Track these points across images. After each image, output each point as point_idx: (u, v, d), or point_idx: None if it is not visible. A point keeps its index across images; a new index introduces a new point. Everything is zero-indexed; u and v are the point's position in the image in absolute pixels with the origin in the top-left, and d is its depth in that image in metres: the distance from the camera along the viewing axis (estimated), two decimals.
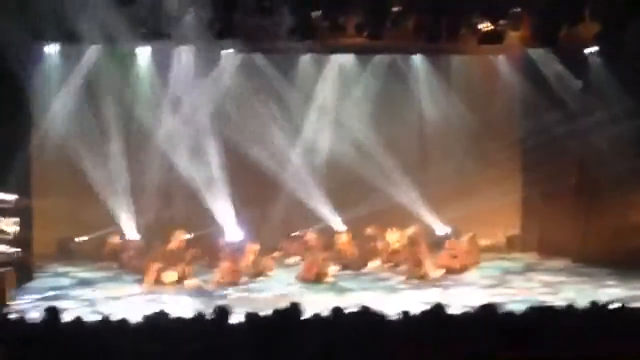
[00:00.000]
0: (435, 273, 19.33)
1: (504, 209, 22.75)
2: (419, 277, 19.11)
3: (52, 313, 8.99)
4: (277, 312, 9.09)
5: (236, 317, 9.36)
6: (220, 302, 9.94)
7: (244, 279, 18.87)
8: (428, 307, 9.52)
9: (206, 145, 21.24)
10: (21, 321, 9.88)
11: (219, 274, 18.69)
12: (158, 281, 18.44)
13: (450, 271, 19.73)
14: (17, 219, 16.50)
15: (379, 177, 21.86)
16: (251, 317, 9.02)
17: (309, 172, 21.88)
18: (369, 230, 21.05)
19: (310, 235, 20.72)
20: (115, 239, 20.53)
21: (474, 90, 22.64)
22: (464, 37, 18.21)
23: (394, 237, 20.59)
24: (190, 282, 18.50)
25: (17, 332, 8.77)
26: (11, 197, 16.24)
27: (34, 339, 8.26)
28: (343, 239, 20.70)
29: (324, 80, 22.47)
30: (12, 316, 10.07)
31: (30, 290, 17.75)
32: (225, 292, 17.89)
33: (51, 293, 17.64)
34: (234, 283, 18.47)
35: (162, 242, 19.47)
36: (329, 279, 19.05)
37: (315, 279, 18.93)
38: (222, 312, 9.14)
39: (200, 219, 20.45)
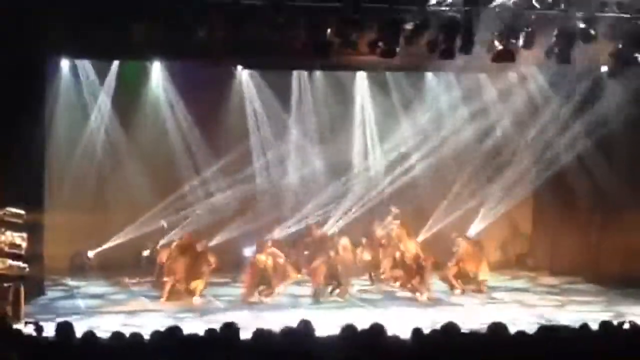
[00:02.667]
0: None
1: (515, 227, 22.71)
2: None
3: (65, 328, 8.99)
4: (286, 329, 9.07)
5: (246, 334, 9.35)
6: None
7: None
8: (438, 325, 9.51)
9: (220, 161, 21.39)
10: (35, 335, 9.91)
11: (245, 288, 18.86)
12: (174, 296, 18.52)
13: (462, 276, 19.70)
14: (27, 234, 16.49)
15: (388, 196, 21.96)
16: (259, 334, 9.00)
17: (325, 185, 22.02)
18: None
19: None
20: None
21: (485, 108, 22.63)
22: (476, 55, 18.21)
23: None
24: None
25: (31, 347, 8.79)
26: (22, 211, 16.24)
27: (47, 354, 8.28)
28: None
29: (336, 96, 22.54)
30: (26, 330, 10.09)
31: (41, 305, 17.82)
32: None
33: (62, 308, 17.72)
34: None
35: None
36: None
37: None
38: (231, 330, 9.13)
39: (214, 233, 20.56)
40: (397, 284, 20.23)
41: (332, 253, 19.28)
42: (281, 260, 19.29)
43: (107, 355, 8.55)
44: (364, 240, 20.90)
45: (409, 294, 19.40)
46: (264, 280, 18.87)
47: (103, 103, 20.94)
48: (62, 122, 20.65)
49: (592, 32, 17.47)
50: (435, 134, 22.50)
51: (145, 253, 20.63)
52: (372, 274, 20.89)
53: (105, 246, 20.72)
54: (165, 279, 18.83)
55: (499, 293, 20.10)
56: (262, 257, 18.95)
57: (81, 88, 20.79)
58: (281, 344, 8.69)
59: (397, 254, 20.07)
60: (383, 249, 20.76)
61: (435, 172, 22.32)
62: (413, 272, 19.41)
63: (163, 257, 19.32)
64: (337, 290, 19.17)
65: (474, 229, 21.33)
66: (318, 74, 21.98)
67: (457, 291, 19.65)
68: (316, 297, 18.88)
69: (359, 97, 22.60)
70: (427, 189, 22.13)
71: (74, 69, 20.61)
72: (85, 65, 20.51)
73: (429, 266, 19.40)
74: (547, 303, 18.96)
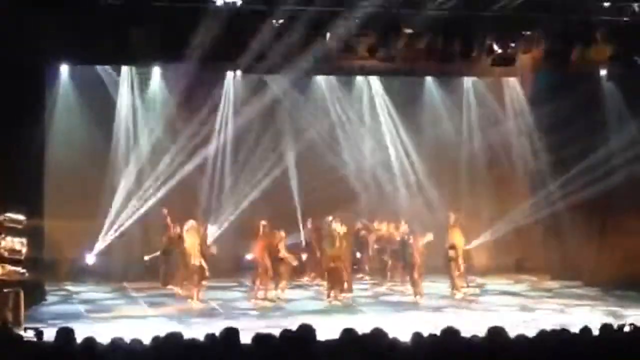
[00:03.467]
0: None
1: (515, 231, 22.71)
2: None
3: (66, 334, 8.98)
4: (286, 333, 9.05)
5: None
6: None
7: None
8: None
9: (216, 166, 21.43)
10: (35, 341, 9.90)
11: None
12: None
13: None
14: (28, 239, 16.47)
15: (382, 206, 22.02)
16: (260, 338, 8.97)
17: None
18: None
19: None
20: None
21: (485, 112, 22.70)
22: (476, 58, 18.25)
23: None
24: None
25: (32, 352, 8.78)
26: (22, 217, 16.24)
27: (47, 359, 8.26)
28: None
29: (335, 101, 22.62)
30: (26, 336, 10.08)
31: (41, 310, 17.83)
32: None
33: (62, 314, 17.73)
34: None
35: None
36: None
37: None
38: (232, 334, 9.11)
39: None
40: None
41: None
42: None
43: None
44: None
45: (408, 299, 19.40)
46: (272, 249, 19.23)
47: (102, 108, 21.07)
48: (62, 127, 20.69)
49: (591, 35, 17.52)
50: (441, 141, 22.68)
51: (147, 258, 20.68)
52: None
53: (97, 249, 20.78)
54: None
55: (499, 297, 20.09)
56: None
57: (80, 94, 20.84)
58: (281, 348, 8.68)
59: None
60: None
61: (438, 179, 22.44)
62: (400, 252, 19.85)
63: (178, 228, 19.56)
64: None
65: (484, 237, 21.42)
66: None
67: (459, 295, 19.63)
68: None
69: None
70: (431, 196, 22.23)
71: (73, 75, 20.66)
72: (83, 71, 20.57)
73: (417, 245, 19.48)
74: (547, 307, 18.95)
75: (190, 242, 18.80)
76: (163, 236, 20.13)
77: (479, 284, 21.08)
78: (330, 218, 20.09)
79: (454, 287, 19.76)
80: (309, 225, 21.31)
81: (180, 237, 19.23)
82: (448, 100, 22.92)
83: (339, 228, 19.52)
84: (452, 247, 19.65)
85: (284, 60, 17.76)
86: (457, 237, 19.79)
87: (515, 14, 17.31)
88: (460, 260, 19.77)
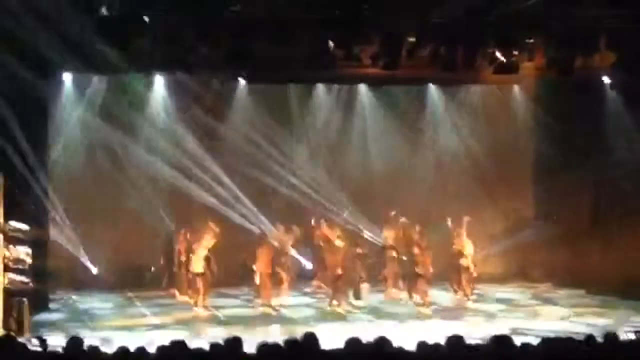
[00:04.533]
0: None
1: (518, 239, 22.72)
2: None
3: (75, 343, 8.98)
4: (289, 342, 9.04)
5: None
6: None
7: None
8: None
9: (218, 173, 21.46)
10: (39, 350, 9.89)
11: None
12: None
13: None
14: (31, 249, 16.49)
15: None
16: (264, 347, 8.97)
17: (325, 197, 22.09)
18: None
19: None
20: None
21: (487, 120, 22.73)
22: (479, 66, 18.26)
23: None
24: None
25: None
26: (26, 226, 16.27)
27: None
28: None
29: (337, 109, 22.68)
30: (30, 345, 10.07)
31: (45, 319, 17.84)
32: None
33: (66, 323, 17.74)
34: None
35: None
36: None
37: None
38: (236, 343, 9.11)
39: None
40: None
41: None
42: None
43: None
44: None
45: (411, 307, 19.37)
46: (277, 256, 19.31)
47: (104, 116, 21.08)
48: (65, 136, 20.71)
49: (595, 42, 17.52)
50: (444, 149, 22.72)
51: (154, 269, 20.73)
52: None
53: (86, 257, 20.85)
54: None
55: (503, 305, 20.07)
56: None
57: (83, 103, 20.86)
58: (285, 357, 8.68)
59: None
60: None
61: (441, 187, 22.46)
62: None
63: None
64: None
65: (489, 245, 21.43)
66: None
67: (470, 302, 19.61)
68: None
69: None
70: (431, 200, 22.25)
71: (75, 84, 20.69)
72: (86, 80, 20.56)
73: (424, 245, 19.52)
74: (552, 314, 18.91)
75: (201, 250, 18.86)
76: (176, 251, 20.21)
77: (483, 292, 21.04)
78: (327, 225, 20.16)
79: (463, 294, 19.76)
80: (316, 232, 21.31)
81: (193, 244, 19.31)
82: (451, 108, 22.93)
83: (333, 241, 19.57)
84: (463, 254, 19.64)
85: (286, 69, 17.77)
86: (467, 244, 19.79)
87: (518, 21, 17.30)
88: (471, 268, 19.76)
